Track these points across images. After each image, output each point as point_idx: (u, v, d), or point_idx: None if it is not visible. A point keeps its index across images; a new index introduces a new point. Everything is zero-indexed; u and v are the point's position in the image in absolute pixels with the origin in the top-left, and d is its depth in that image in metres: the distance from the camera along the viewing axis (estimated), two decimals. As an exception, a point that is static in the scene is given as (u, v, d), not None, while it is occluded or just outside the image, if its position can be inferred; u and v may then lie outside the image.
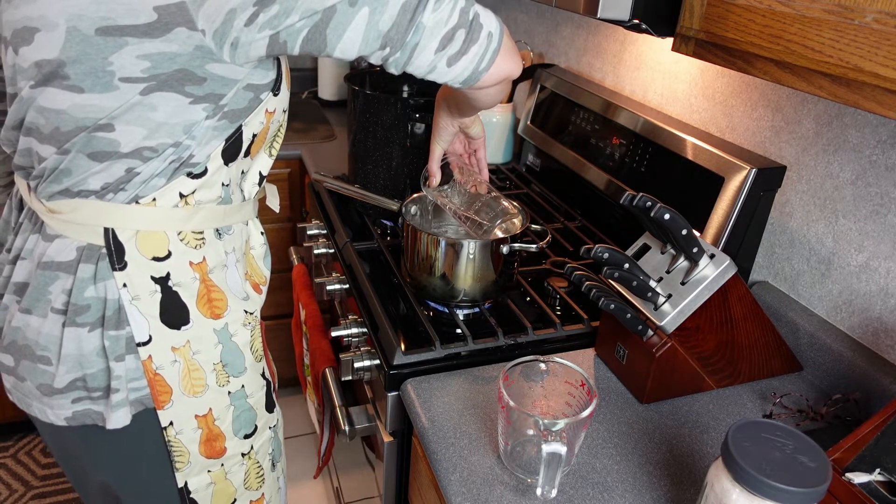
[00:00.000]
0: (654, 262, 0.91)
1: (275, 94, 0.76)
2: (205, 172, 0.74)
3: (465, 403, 0.87)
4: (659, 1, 0.82)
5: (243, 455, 0.86)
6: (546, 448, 0.67)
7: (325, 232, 1.43)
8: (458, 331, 1.00)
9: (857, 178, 0.92)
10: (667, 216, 0.80)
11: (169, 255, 0.75)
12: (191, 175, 0.73)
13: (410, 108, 1.26)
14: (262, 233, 0.90)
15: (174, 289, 0.75)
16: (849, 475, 0.68)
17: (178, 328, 0.76)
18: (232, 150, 0.75)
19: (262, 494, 0.91)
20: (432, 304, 1.08)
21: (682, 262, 0.87)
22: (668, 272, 0.88)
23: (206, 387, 0.79)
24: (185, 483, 0.81)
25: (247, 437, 0.85)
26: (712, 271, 0.84)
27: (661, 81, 1.31)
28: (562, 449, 0.67)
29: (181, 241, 0.76)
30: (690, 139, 1.12)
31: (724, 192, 1.03)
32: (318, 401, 1.28)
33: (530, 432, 0.77)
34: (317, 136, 1.90)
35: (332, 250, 1.35)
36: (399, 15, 0.63)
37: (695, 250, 0.84)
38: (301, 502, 1.84)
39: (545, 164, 1.61)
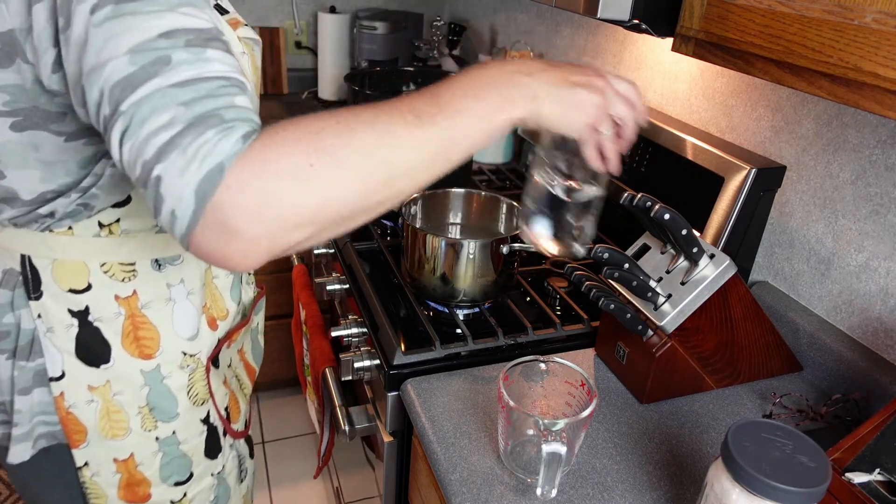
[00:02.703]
0: (654, 262, 0.91)
1: None
2: (129, 200, 0.67)
3: (465, 403, 0.87)
4: (659, 1, 0.82)
5: (173, 503, 0.79)
6: (546, 448, 0.67)
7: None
8: (458, 331, 1.00)
9: (856, 178, 0.92)
10: (667, 216, 0.80)
11: (89, 287, 0.68)
12: (113, 205, 0.67)
13: (410, 108, 1.26)
14: None
15: (94, 324, 0.69)
16: (849, 475, 0.68)
17: (97, 366, 0.70)
18: None
19: None
20: (432, 304, 1.08)
21: (682, 262, 0.87)
22: (668, 272, 0.88)
23: (129, 430, 0.72)
24: None
25: (178, 483, 0.78)
26: (712, 271, 0.84)
27: (661, 81, 1.31)
28: (562, 449, 0.67)
29: (105, 272, 0.69)
30: (690, 139, 1.12)
31: (724, 192, 1.03)
32: (318, 401, 1.28)
33: (530, 432, 0.77)
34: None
35: (332, 250, 1.35)
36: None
37: (695, 250, 0.84)
38: (301, 502, 1.85)
39: (545, 164, 1.60)
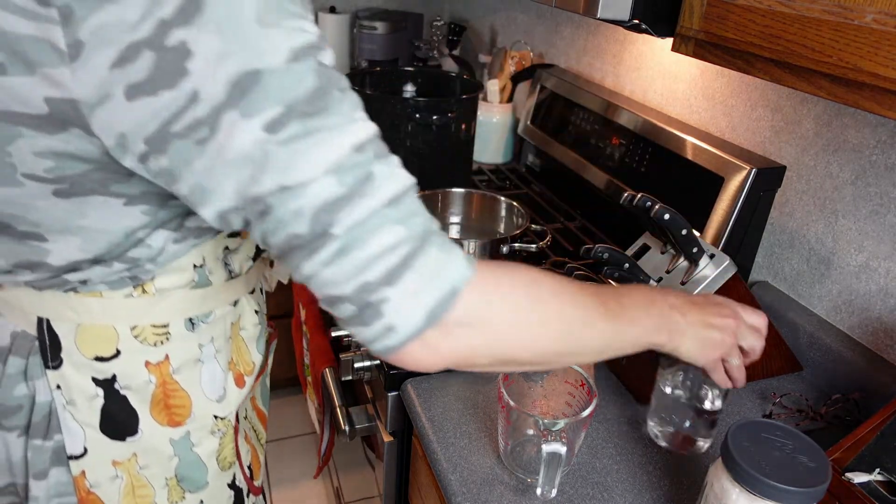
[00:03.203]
0: (654, 262, 0.91)
1: None
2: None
3: (465, 403, 0.87)
4: (659, 1, 0.82)
5: None
6: (546, 448, 0.67)
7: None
8: (458, 331, 1.00)
9: (856, 178, 0.92)
10: (667, 216, 0.80)
11: (117, 353, 0.61)
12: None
13: (410, 108, 1.26)
14: (256, 311, 0.74)
15: (122, 392, 0.62)
16: (848, 475, 0.68)
17: (123, 439, 0.63)
18: (205, 235, 0.62)
19: None
20: (432, 304, 1.07)
21: (682, 262, 0.87)
22: (668, 272, 0.88)
23: None
24: None
25: None
26: (712, 271, 0.84)
27: (661, 81, 1.31)
28: (562, 449, 0.67)
29: (135, 337, 0.62)
30: (690, 139, 1.12)
31: (724, 192, 1.03)
32: (318, 401, 1.28)
33: (530, 432, 0.77)
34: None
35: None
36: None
37: (695, 250, 0.84)
38: (301, 502, 1.85)
39: (545, 164, 1.60)
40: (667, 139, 1.16)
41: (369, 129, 0.48)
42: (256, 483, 0.79)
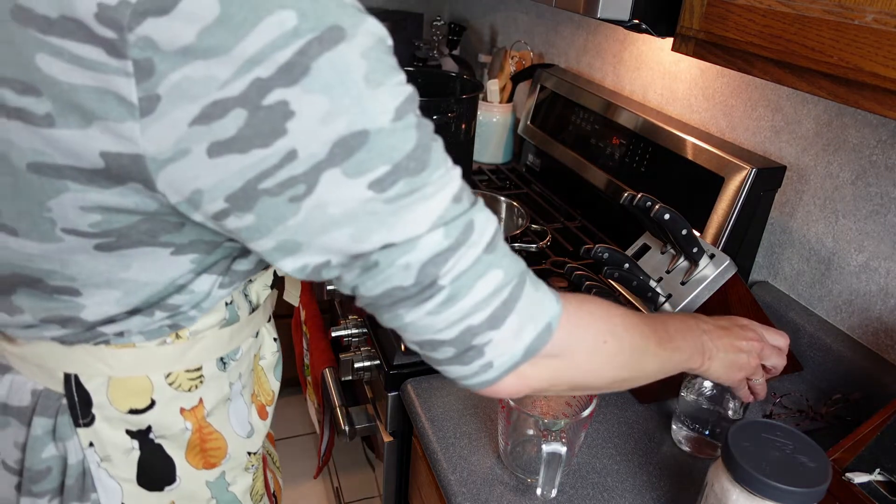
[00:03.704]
0: (654, 262, 0.91)
1: None
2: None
3: (465, 403, 0.87)
4: (659, 1, 0.82)
5: None
6: (546, 448, 0.67)
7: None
8: (458, 331, 1.00)
9: (857, 178, 0.92)
10: (667, 216, 0.80)
11: (152, 404, 0.58)
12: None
13: (410, 108, 1.26)
14: (275, 338, 0.75)
15: (157, 441, 0.60)
16: (849, 475, 0.68)
17: (161, 489, 0.61)
18: (249, 276, 0.62)
19: None
20: (432, 304, 1.07)
21: (682, 262, 0.87)
22: (668, 272, 0.88)
23: None
24: None
25: None
26: (712, 271, 0.84)
27: (661, 81, 1.31)
28: (562, 449, 0.67)
29: (170, 385, 0.59)
30: (690, 139, 1.12)
31: (724, 192, 1.03)
32: (318, 401, 1.28)
33: (530, 432, 0.77)
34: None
35: (332, 250, 1.35)
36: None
37: (695, 250, 0.84)
38: (301, 502, 1.85)
39: (545, 164, 1.60)
40: (667, 139, 1.16)
41: (459, 175, 0.50)
42: None
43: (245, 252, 0.57)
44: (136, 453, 0.59)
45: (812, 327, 0.97)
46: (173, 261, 0.52)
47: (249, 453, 0.68)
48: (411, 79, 1.58)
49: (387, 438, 0.99)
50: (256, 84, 0.40)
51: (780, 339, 0.74)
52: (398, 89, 0.45)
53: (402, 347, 0.95)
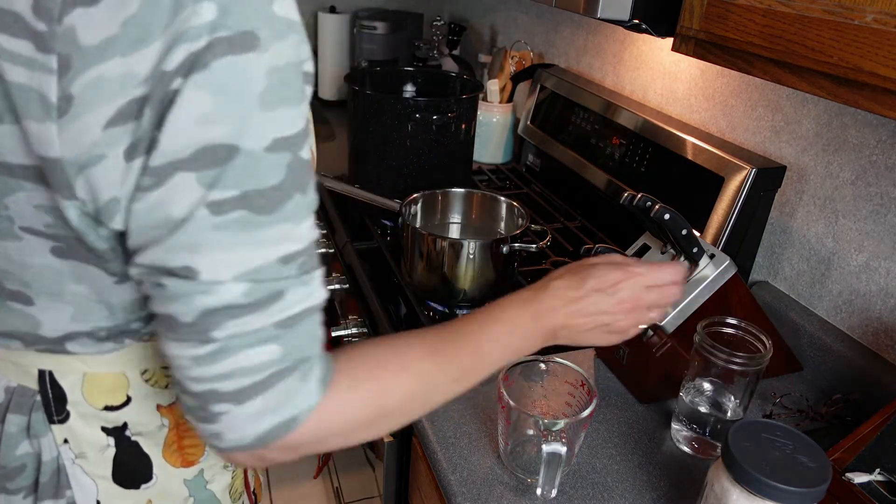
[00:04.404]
0: (654, 261, 0.91)
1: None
2: None
3: (465, 403, 0.87)
4: (659, 1, 0.82)
5: None
6: (546, 448, 0.67)
7: (324, 232, 1.43)
8: (458, 331, 1.00)
9: (857, 178, 0.92)
10: (667, 216, 0.80)
11: (128, 401, 0.58)
12: None
13: (410, 108, 1.26)
14: None
15: (133, 438, 0.59)
16: (849, 475, 0.68)
17: (138, 487, 0.60)
18: None
19: None
20: (432, 304, 1.08)
21: (682, 262, 0.87)
22: (668, 272, 0.88)
23: None
24: None
25: None
26: (712, 271, 0.84)
27: (661, 81, 1.31)
28: (562, 449, 0.67)
29: (146, 381, 0.58)
30: (690, 139, 1.12)
31: (724, 192, 1.03)
32: (318, 401, 1.28)
33: (530, 432, 0.77)
34: (317, 135, 1.90)
35: (331, 250, 1.35)
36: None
37: (695, 250, 0.84)
38: (301, 502, 1.85)
39: (545, 164, 1.60)
40: (667, 139, 1.16)
41: (308, 238, 0.46)
42: None
43: None
44: (112, 450, 0.59)
45: (812, 327, 0.97)
46: (121, 289, 0.51)
47: None
48: (411, 78, 1.58)
49: (387, 438, 0.99)
50: (161, 77, 0.39)
51: (668, 274, 0.65)
52: (289, 122, 0.43)
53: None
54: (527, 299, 0.62)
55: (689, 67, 1.23)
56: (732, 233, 1.02)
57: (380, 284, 1.12)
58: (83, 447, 0.58)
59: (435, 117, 1.26)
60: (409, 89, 1.54)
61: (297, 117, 0.44)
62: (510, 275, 1.07)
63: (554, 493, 0.72)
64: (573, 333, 0.63)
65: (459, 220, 1.21)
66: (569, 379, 0.77)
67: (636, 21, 0.83)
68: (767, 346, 0.77)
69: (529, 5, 1.79)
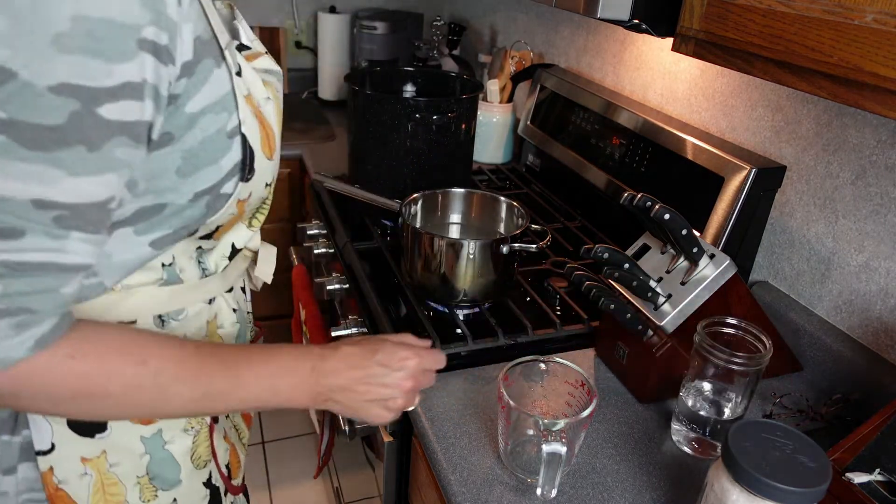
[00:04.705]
0: (654, 262, 0.91)
1: (246, 180, 0.61)
2: None
3: (465, 403, 0.87)
4: (659, 1, 0.82)
5: None
6: (546, 448, 0.67)
7: (325, 232, 1.43)
8: (458, 331, 1.00)
9: (857, 178, 0.92)
10: (667, 216, 0.80)
11: None
12: None
13: (410, 108, 1.26)
14: (235, 309, 0.73)
15: None
16: (849, 475, 0.68)
17: (92, 436, 0.62)
18: (174, 238, 0.61)
19: None
20: (432, 304, 1.08)
21: (682, 262, 0.87)
22: (668, 272, 0.88)
23: (126, 503, 0.66)
24: None
25: None
26: (712, 271, 0.84)
27: (661, 81, 1.31)
28: (562, 449, 0.67)
29: None
30: (690, 139, 1.12)
31: (724, 192, 1.03)
32: (317, 401, 1.28)
33: (530, 432, 0.77)
34: (317, 136, 1.90)
35: (332, 250, 1.35)
36: None
37: (695, 250, 0.84)
38: (301, 502, 1.85)
39: (545, 164, 1.60)
40: (667, 139, 1.16)
41: (82, 196, 0.46)
42: (235, 482, 0.78)
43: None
44: None
45: (812, 327, 0.97)
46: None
47: None
48: (411, 78, 1.58)
49: (387, 438, 0.99)
50: None
51: (439, 362, 0.70)
52: (89, 74, 0.43)
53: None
54: (313, 354, 0.64)
55: (689, 67, 1.23)
56: (732, 233, 1.02)
57: (380, 284, 1.12)
58: None
59: (435, 117, 1.26)
60: (409, 89, 1.54)
61: (105, 73, 0.44)
62: (510, 275, 1.07)
63: (554, 493, 0.72)
64: (351, 400, 0.64)
65: (459, 220, 1.21)
66: (569, 379, 0.77)
67: (636, 21, 0.83)
68: (767, 346, 0.77)
69: (529, 5, 1.79)
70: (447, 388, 0.89)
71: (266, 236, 0.80)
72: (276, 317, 1.94)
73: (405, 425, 0.98)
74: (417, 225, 1.15)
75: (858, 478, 0.68)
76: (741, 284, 0.87)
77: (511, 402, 0.71)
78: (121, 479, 0.64)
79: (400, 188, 1.33)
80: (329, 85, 2.22)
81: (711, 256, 0.85)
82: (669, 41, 0.81)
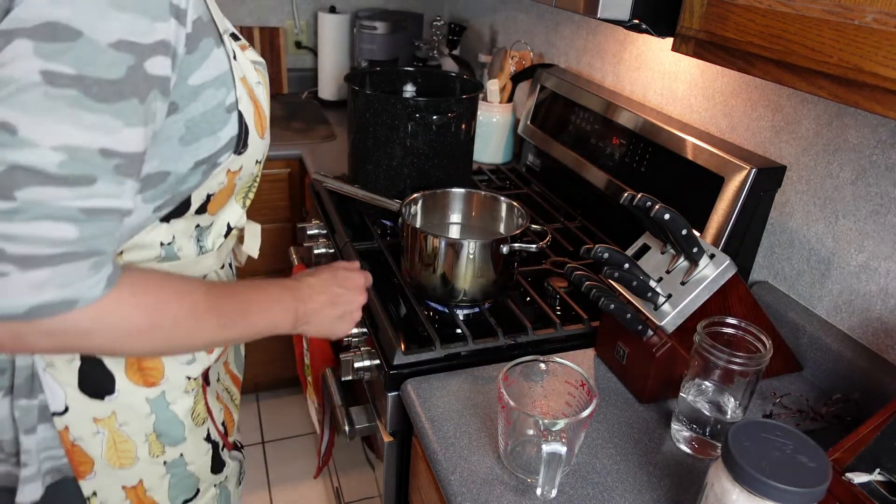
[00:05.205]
0: (654, 262, 0.91)
1: (239, 153, 0.67)
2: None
3: (465, 403, 0.87)
4: (659, 1, 0.82)
5: None
6: (546, 448, 0.67)
7: (325, 232, 1.43)
8: (458, 331, 1.00)
9: (857, 178, 0.92)
10: (667, 216, 0.80)
11: None
12: None
13: (410, 108, 1.26)
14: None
15: (96, 356, 0.67)
16: (849, 475, 0.68)
17: (102, 398, 0.67)
18: (173, 213, 0.66)
19: None
20: (432, 304, 1.08)
21: (682, 262, 0.87)
22: (668, 272, 0.88)
23: (137, 459, 0.71)
24: None
25: (186, 501, 0.77)
26: (712, 271, 0.84)
27: (661, 81, 1.31)
28: (562, 449, 0.67)
29: None
30: (690, 139, 1.12)
31: (724, 192, 1.03)
32: (318, 401, 1.28)
33: (530, 432, 0.77)
34: (317, 136, 1.90)
35: (332, 250, 1.35)
36: None
37: (695, 250, 0.84)
38: (301, 502, 1.85)
39: (545, 164, 1.60)
40: (667, 139, 1.16)
41: (133, 146, 0.51)
42: (230, 439, 0.84)
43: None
44: (77, 363, 0.66)
45: (812, 327, 0.97)
46: None
47: (189, 377, 0.73)
48: (411, 78, 1.58)
49: (387, 438, 0.99)
50: None
51: (368, 279, 0.83)
52: (139, 31, 0.48)
53: (402, 347, 0.95)
54: (288, 285, 0.73)
55: (688, 67, 1.23)
56: (732, 233, 1.02)
57: (380, 284, 1.12)
58: (52, 357, 0.65)
59: (435, 117, 1.26)
60: (409, 89, 1.54)
61: (149, 31, 0.49)
62: (510, 275, 1.07)
63: (554, 493, 0.72)
64: (322, 320, 0.74)
65: (459, 220, 1.21)
66: (569, 379, 0.77)
67: (636, 21, 0.83)
68: (767, 346, 0.77)
69: (529, 5, 1.79)
70: (447, 388, 0.89)
71: (266, 236, 0.84)
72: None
73: (405, 425, 0.98)
74: (417, 225, 1.15)
75: (858, 478, 0.68)
76: (741, 284, 0.87)
77: (511, 402, 0.71)
78: (130, 437, 0.70)
79: (400, 188, 1.33)
80: (329, 85, 2.22)
81: (711, 256, 0.85)
82: (669, 41, 0.81)
